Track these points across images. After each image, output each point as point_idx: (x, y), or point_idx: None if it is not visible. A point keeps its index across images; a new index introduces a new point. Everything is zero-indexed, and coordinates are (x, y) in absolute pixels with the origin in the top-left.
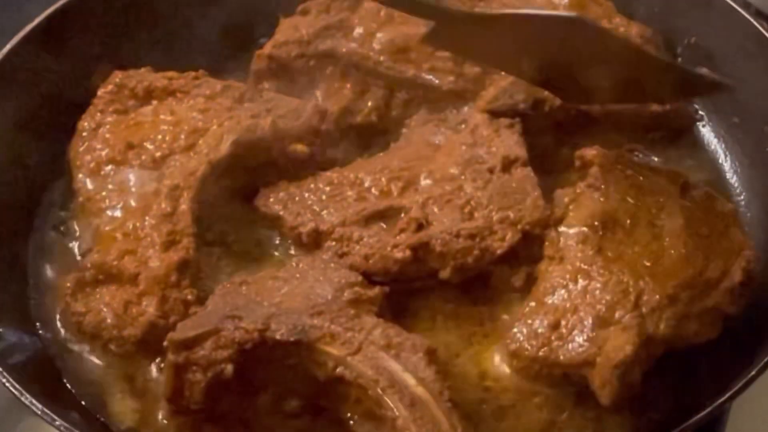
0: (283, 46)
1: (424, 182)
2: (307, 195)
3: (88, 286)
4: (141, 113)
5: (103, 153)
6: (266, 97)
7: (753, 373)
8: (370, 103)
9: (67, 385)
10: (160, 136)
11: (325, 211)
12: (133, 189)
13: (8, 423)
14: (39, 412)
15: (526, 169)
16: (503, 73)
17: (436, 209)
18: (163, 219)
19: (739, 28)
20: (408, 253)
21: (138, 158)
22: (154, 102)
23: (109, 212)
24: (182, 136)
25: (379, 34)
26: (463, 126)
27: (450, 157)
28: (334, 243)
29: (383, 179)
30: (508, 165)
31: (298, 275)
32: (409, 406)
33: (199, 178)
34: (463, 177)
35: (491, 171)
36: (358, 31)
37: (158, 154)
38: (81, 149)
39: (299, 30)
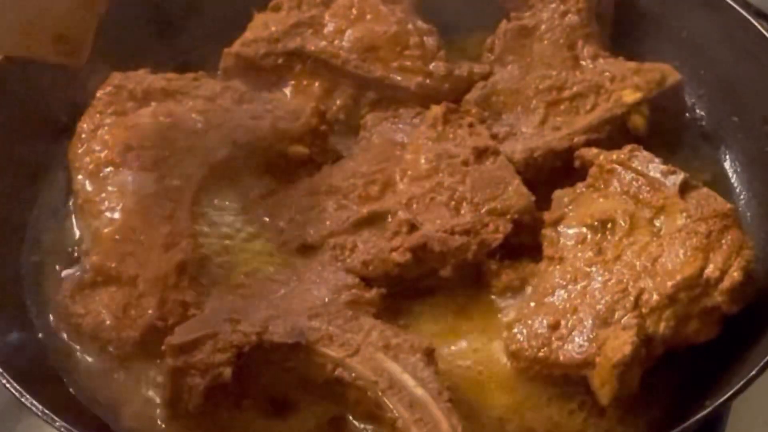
0: (252, 44)
1: (401, 183)
2: (284, 209)
3: (87, 288)
4: (140, 115)
5: (102, 155)
6: (265, 98)
7: (753, 373)
8: (338, 102)
9: (67, 386)
10: (159, 138)
11: (309, 225)
12: (132, 191)
13: (8, 423)
14: (39, 413)
15: (499, 157)
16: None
17: (422, 209)
18: (162, 221)
19: (739, 28)
20: (408, 255)
21: (137, 160)
22: (153, 103)
23: (108, 214)
24: (181, 138)
25: (348, 32)
26: (417, 120)
27: (419, 154)
28: (328, 253)
29: (358, 184)
30: (480, 156)
31: (295, 278)
32: (409, 407)
33: (197, 179)
34: (439, 173)
35: (466, 164)
36: (329, 28)
37: (158, 155)
38: (80, 151)
39: (269, 27)
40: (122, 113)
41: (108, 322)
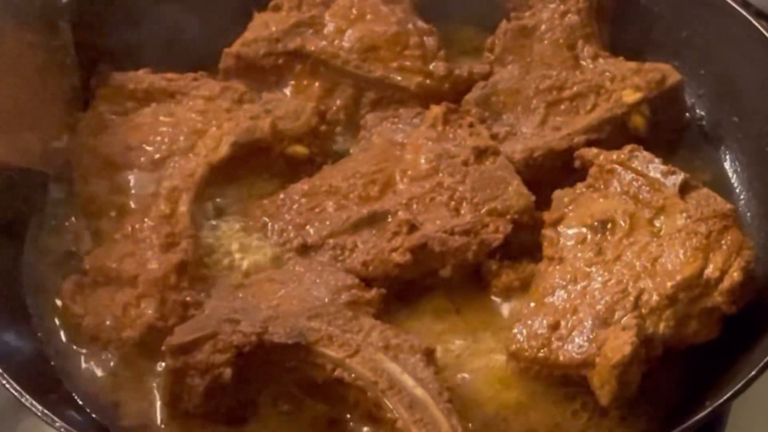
0: (252, 44)
1: (401, 183)
2: (284, 210)
3: (87, 288)
4: (140, 115)
5: (103, 155)
6: (265, 98)
7: (753, 373)
8: (338, 102)
9: (67, 386)
10: (159, 138)
11: (308, 225)
12: (133, 191)
13: (8, 423)
14: (39, 414)
15: (499, 157)
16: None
17: (422, 209)
18: (161, 221)
19: (739, 28)
20: (408, 256)
21: (137, 160)
22: (154, 104)
23: (108, 214)
24: (181, 138)
25: (348, 32)
26: (417, 120)
27: (419, 154)
28: (328, 253)
29: (358, 184)
30: (480, 156)
31: (294, 278)
32: (409, 408)
33: (197, 179)
34: (439, 173)
35: (466, 164)
36: (329, 28)
37: (157, 155)
38: (80, 150)
39: (269, 27)
40: (123, 113)
41: (108, 322)
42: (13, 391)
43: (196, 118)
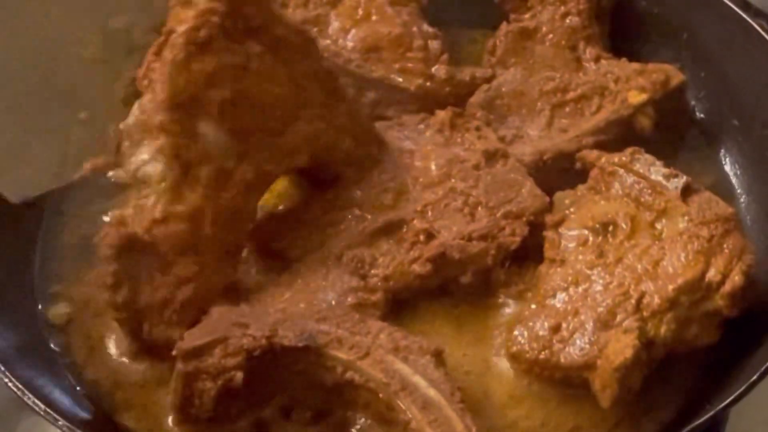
0: None
1: (414, 190)
2: (301, 225)
3: (136, 250)
4: (250, 50)
5: (195, 85)
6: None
7: (754, 377)
8: None
9: (70, 385)
10: (257, 101)
11: (328, 240)
12: (211, 151)
13: (9, 423)
14: (41, 412)
15: (509, 159)
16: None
17: (437, 215)
18: (234, 218)
19: (740, 31)
20: (429, 266)
21: (226, 116)
22: (261, 45)
23: (174, 165)
24: (278, 114)
25: (352, 32)
26: (422, 126)
27: (429, 161)
28: (350, 266)
29: (371, 194)
30: (490, 159)
31: (299, 281)
32: (423, 408)
33: (270, 181)
34: (451, 179)
35: (477, 167)
36: (333, 27)
37: (249, 122)
38: (170, 64)
39: None
40: (230, 35)
41: (141, 304)
42: (15, 390)
43: (293, 100)
